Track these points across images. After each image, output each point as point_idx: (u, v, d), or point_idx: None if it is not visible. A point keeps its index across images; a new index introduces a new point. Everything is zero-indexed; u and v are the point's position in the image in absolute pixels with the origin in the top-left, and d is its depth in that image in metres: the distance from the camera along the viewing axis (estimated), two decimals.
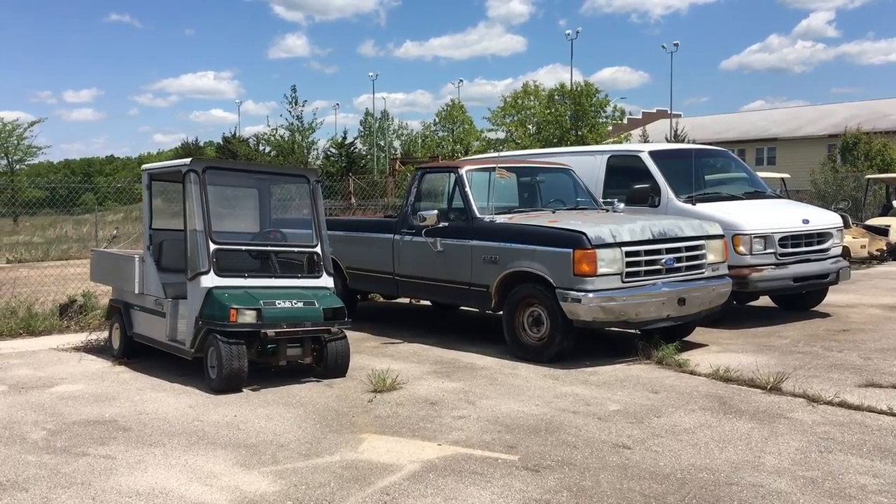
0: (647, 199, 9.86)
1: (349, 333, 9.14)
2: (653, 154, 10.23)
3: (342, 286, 9.94)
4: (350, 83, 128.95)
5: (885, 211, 19.62)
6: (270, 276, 6.97)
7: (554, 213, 8.51)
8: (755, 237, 9.20)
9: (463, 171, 8.53)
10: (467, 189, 8.40)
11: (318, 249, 7.26)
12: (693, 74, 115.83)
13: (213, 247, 6.57)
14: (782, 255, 9.37)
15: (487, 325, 7.85)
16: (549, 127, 48.16)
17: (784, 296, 10.56)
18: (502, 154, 13.14)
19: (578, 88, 47.97)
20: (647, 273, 7.52)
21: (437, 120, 60.96)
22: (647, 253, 7.51)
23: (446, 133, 59.30)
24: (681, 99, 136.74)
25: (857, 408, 5.81)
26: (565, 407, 5.95)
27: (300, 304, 6.72)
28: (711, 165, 11.10)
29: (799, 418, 5.60)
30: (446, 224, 8.43)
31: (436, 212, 8.42)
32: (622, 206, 9.28)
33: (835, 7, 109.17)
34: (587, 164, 10.82)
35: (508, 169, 9.66)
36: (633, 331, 8.01)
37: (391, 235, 9.12)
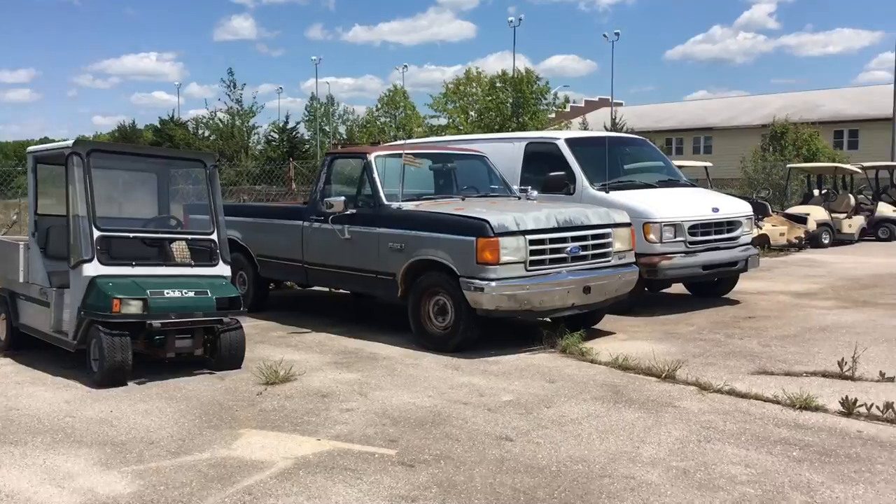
0: (563, 186, 9.84)
1: (256, 323, 9.00)
2: (569, 142, 10.20)
3: (253, 274, 9.73)
4: (298, 67, 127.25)
5: (807, 199, 20.07)
6: (161, 265, 6.73)
7: (463, 200, 8.42)
8: (665, 225, 9.25)
9: (371, 157, 8.37)
10: (375, 175, 8.24)
11: (213, 237, 7.03)
12: (639, 64, 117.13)
13: (97, 233, 6.30)
14: (692, 243, 9.43)
15: (403, 313, 7.73)
16: (490, 114, 48.14)
17: (697, 283, 10.68)
18: (421, 140, 13.02)
19: (519, 76, 48.02)
20: (552, 261, 7.48)
21: (380, 105, 60.48)
22: (552, 241, 7.47)
23: (388, 119, 58.87)
24: (626, 88, 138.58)
25: (745, 396, 5.85)
26: (458, 398, 5.86)
27: (191, 294, 6.50)
28: (628, 154, 11.13)
29: (686, 407, 5.61)
30: (354, 211, 8.27)
31: (343, 198, 8.26)
32: (535, 193, 9.23)
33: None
34: (506, 151, 10.76)
35: (422, 156, 9.55)
36: (546, 319, 7.96)
37: (300, 222, 8.92)
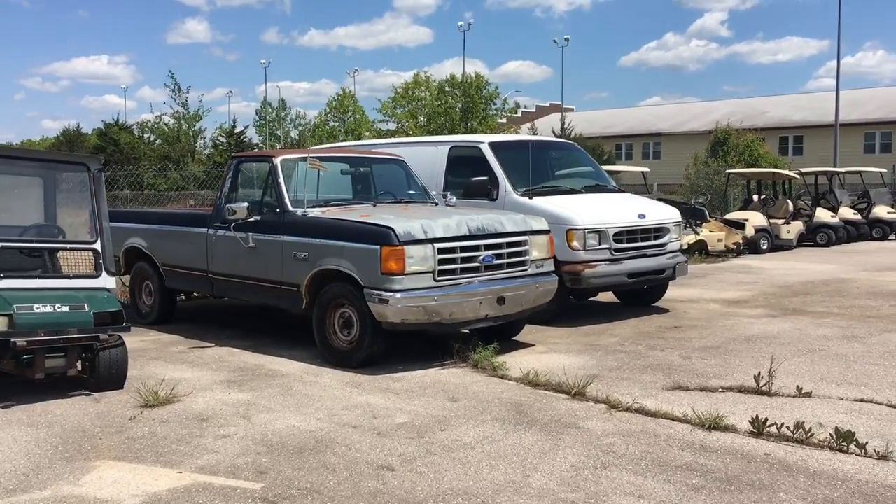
0: (485, 192, 9.49)
1: (158, 337, 8.48)
2: (493, 146, 9.86)
3: (159, 285, 9.20)
4: (252, 71, 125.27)
5: (746, 205, 20.05)
6: (36, 277, 6.20)
7: (375, 206, 8.00)
8: (589, 232, 8.94)
9: (277, 161, 7.91)
10: (280, 180, 7.78)
11: (97, 246, 6.51)
12: (593, 70, 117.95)
13: None
14: (617, 250, 9.14)
15: None
16: (439, 118, 47.83)
17: (625, 291, 10.41)
18: (344, 144, 12.58)
19: (468, 80, 47.79)
20: (464, 271, 7.10)
21: (328, 110, 59.77)
22: (464, 249, 7.09)
23: (337, 123, 58.19)
24: (581, 94, 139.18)
25: (654, 414, 5.52)
26: (348, 421, 5.44)
27: (65, 309, 5.97)
28: (556, 159, 10.81)
29: (590, 428, 5.26)
30: (258, 218, 7.81)
31: (246, 204, 7.79)
32: (454, 199, 8.85)
33: (728, 8, 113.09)
34: (429, 155, 10.39)
35: (338, 160, 9.14)
36: (464, 331, 7.57)
37: (204, 230, 8.42)
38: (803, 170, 21.25)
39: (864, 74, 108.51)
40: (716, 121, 41.18)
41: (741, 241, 16.86)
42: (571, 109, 76.62)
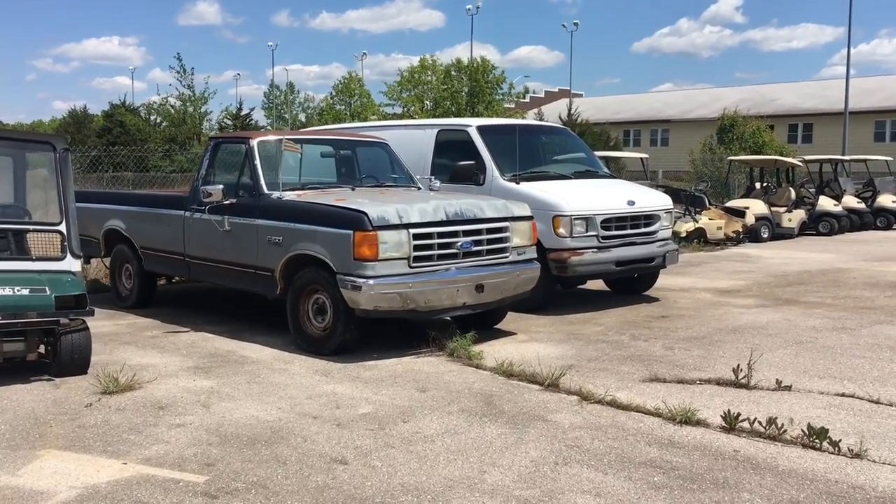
0: (471, 176, 9.29)
1: (134, 321, 8.35)
2: (481, 129, 9.65)
3: (138, 268, 9.05)
4: (263, 54, 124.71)
5: (748, 192, 19.77)
6: None
7: (354, 190, 7.81)
8: (576, 219, 8.73)
9: (254, 143, 7.72)
10: (256, 162, 7.60)
11: (62, 228, 6.35)
12: (606, 56, 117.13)
13: None
14: (605, 237, 8.93)
15: None
16: (445, 103, 47.51)
17: (616, 279, 10.22)
18: (333, 127, 12.38)
19: (475, 64, 47.41)
20: (441, 257, 6.92)
21: (334, 93, 59.50)
22: (441, 235, 6.90)
23: (344, 107, 57.90)
24: (593, 80, 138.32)
25: (625, 407, 5.35)
26: (310, 410, 5.28)
27: (24, 292, 5.83)
28: (547, 143, 10.60)
29: (558, 421, 5.09)
30: (234, 201, 7.64)
31: (221, 187, 7.61)
32: (438, 183, 8.65)
33: None
34: (417, 138, 10.21)
35: (320, 142, 8.96)
36: (446, 318, 7.39)
37: (181, 212, 8.25)
38: (807, 157, 20.90)
39: (879, 62, 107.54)
40: (723, 108, 40.80)
41: (741, 230, 16.60)
42: (581, 95, 76.22)
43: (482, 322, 7.90)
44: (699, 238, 16.00)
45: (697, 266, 13.03)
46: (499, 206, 7.47)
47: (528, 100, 72.02)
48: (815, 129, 48.75)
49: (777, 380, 5.85)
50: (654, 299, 9.86)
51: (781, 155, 27.56)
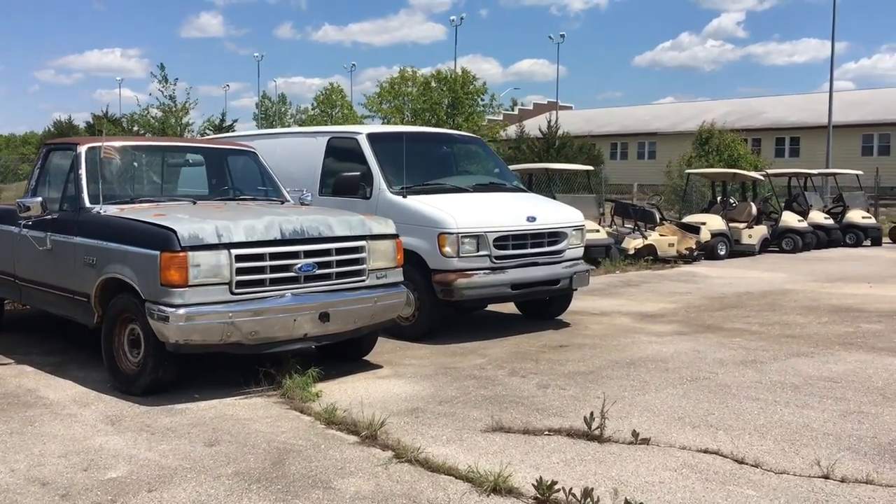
0: (357, 189, 8.40)
1: None
2: (371, 137, 8.75)
3: None
4: (265, 66, 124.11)
5: (710, 207, 18.87)
6: None
7: (195, 203, 6.89)
8: (464, 236, 7.82)
9: (82, 149, 6.82)
10: (82, 171, 6.69)
11: None
12: (608, 69, 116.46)
13: None
14: (498, 257, 8.02)
15: None
16: (424, 114, 46.71)
17: (526, 303, 9.32)
18: (218, 137, 11.48)
19: (454, 75, 46.65)
20: (275, 282, 6.00)
21: (315, 104, 58.67)
22: (275, 257, 5.99)
23: (326, 118, 57.02)
24: (595, 93, 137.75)
25: (437, 468, 4.42)
26: (47, 475, 4.35)
27: None
28: (451, 154, 9.71)
29: (342, 489, 4.17)
30: (56, 216, 6.75)
31: (40, 200, 6.73)
32: (310, 196, 7.74)
33: (744, 8, 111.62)
34: (309, 147, 9.35)
35: (168, 150, 8.05)
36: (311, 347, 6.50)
37: (12, 228, 7.33)
38: (770, 171, 20.02)
39: (880, 77, 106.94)
40: (710, 121, 39.96)
41: (694, 247, 15.69)
42: (570, 108, 75.58)
43: (347, 354, 7.03)
44: (649, 255, 15.09)
45: (634, 286, 12.11)
46: (353, 223, 6.56)
47: (516, 112, 71.37)
48: (801, 143, 48.01)
49: (634, 432, 4.93)
50: (565, 325, 8.94)
51: (756, 168, 26.72)
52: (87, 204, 6.52)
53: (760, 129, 49.35)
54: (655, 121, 58.04)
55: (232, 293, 5.77)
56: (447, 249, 7.77)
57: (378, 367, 6.94)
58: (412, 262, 7.97)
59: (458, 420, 5.37)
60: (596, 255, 14.13)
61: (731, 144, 28.95)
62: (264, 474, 4.37)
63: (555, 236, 8.52)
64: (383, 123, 49.05)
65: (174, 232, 5.62)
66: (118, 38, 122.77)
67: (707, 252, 16.28)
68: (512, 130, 48.48)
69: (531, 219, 8.32)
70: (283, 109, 74.05)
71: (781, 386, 6.25)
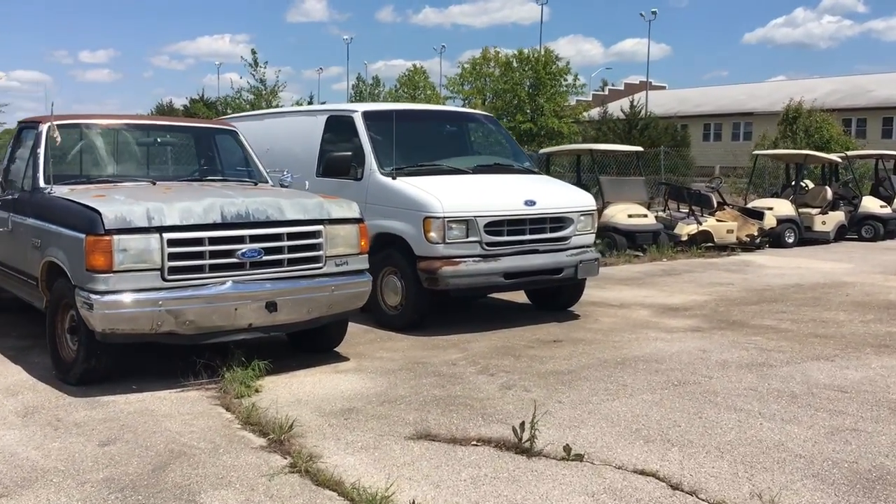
0: (348, 169, 7.95)
1: None
2: (366, 115, 8.27)
3: None
4: (367, 49, 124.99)
5: (782, 191, 17.56)
6: None
7: (154, 184, 6.56)
8: (451, 221, 7.26)
9: (44, 127, 6.58)
10: (41, 150, 6.46)
11: None
12: (715, 47, 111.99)
13: None
14: (490, 244, 7.43)
15: None
16: (505, 95, 45.92)
17: (536, 291, 8.70)
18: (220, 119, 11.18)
19: (536, 55, 45.59)
20: (216, 268, 5.62)
21: (398, 86, 58.58)
22: (214, 241, 5.61)
23: (407, 99, 56.87)
24: (701, 73, 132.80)
25: (322, 482, 3.96)
26: None
27: None
28: (453, 133, 9.12)
29: (224, 498, 3.74)
30: (16, 196, 6.58)
31: None
32: (290, 178, 7.33)
33: None
34: (308, 126, 8.98)
35: (146, 128, 7.78)
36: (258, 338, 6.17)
37: None
38: (851, 153, 18.47)
39: None
40: (812, 100, 37.63)
41: (756, 234, 14.56)
42: (663, 87, 73.20)
43: (314, 345, 6.63)
44: (704, 242, 14.11)
45: (673, 276, 11.25)
46: (309, 206, 6.10)
47: (606, 92, 69.57)
48: None
49: (566, 446, 4.31)
50: (573, 317, 8.28)
51: (848, 150, 24.90)
52: (42, 184, 6.29)
53: (866, 109, 46.39)
54: (752, 100, 55.38)
55: (164, 280, 5.42)
56: (432, 235, 7.24)
57: (344, 359, 6.49)
58: (399, 247, 7.52)
59: (388, 424, 4.87)
60: (642, 242, 13.31)
61: (822, 125, 27.04)
62: (134, 482, 3.98)
63: (558, 222, 7.86)
64: (464, 105, 48.58)
65: (99, 214, 5.30)
66: (228, 23, 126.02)
67: (774, 239, 15.13)
68: (595, 112, 47.19)
69: (530, 203, 7.67)
70: (375, 91, 74.54)
71: (777, 395, 5.47)
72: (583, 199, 8.19)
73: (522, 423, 4.43)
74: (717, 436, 4.65)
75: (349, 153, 7.96)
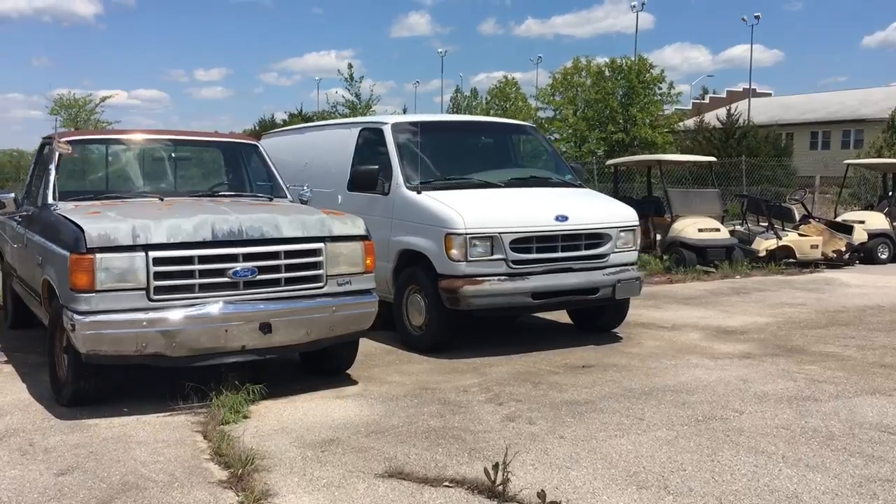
0: (375, 183, 7.66)
1: None
2: (395, 127, 7.97)
3: (10, 285, 8.20)
4: (468, 61, 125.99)
5: (879, 203, 16.28)
6: None
7: (162, 199, 6.42)
8: (473, 238, 6.86)
9: (53, 144, 6.57)
10: (52, 166, 6.44)
11: None
12: (832, 52, 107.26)
13: None
14: (517, 262, 6.98)
15: None
16: (597, 105, 44.97)
17: (577, 311, 8.19)
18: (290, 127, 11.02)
19: (629, 64, 44.48)
20: (206, 288, 5.40)
21: (489, 98, 58.31)
22: (204, 260, 5.40)
23: (499, 110, 56.54)
24: (816, 79, 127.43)
25: None
26: None
27: None
28: (489, 145, 8.70)
29: None
30: (30, 211, 6.58)
31: (12, 195, 6.64)
32: (309, 193, 7.09)
33: None
34: (342, 139, 8.75)
35: (158, 142, 7.64)
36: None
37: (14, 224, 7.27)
38: None
39: None
40: None
41: (843, 249, 13.49)
42: (768, 94, 70.44)
43: (322, 368, 6.36)
44: (786, 258, 13.16)
45: (741, 295, 10.47)
46: (308, 223, 5.82)
47: (707, 100, 67.42)
48: None
49: (541, 492, 3.84)
50: (616, 339, 7.73)
51: None
52: (50, 200, 6.26)
53: None
54: (863, 106, 52.40)
55: (150, 300, 5.23)
56: (454, 252, 6.85)
57: (352, 383, 6.18)
58: (423, 265, 7.17)
59: (364, 459, 4.51)
60: (713, 258, 12.51)
61: None
62: None
63: (594, 238, 7.34)
64: (555, 116, 47.84)
65: (82, 231, 5.16)
66: (334, 40, 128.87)
67: (866, 255, 14.00)
68: (692, 122, 45.62)
69: (561, 218, 7.18)
70: (473, 103, 74.72)
71: (811, 435, 4.82)
72: (623, 214, 7.63)
73: (496, 465, 3.99)
74: (724, 483, 4.08)
75: (375, 167, 7.66)
